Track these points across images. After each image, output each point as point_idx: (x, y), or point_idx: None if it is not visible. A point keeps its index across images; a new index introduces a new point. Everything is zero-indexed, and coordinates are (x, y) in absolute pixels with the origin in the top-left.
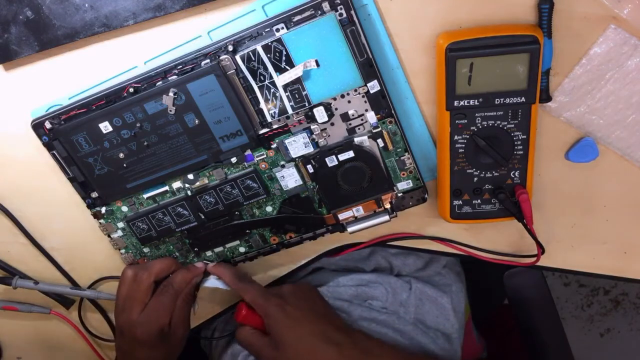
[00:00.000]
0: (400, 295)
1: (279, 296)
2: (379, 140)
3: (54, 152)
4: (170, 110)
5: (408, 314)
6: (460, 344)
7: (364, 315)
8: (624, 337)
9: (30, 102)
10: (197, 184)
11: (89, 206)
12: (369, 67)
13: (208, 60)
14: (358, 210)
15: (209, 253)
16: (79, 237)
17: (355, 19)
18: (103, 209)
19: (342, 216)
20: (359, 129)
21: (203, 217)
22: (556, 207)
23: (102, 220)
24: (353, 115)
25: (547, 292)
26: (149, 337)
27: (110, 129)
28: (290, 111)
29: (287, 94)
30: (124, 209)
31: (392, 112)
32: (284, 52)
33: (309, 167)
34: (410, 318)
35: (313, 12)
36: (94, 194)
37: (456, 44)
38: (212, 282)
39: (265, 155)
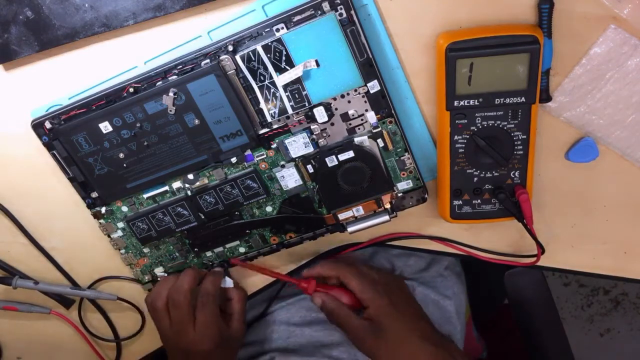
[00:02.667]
0: None
1: (387, 287)
2: (379, 140)
3: (54, 152)
4: (170, 110)
5: None
6: (462, 345)
7: None
8: (624, 337)
9: (30, 102)
10: (197, 184)
11: (89, 206)
12: (369, 67)
13: (208, 60)
14: (358, 210)
15: (209, 253)
16: (79, 237)
17: (355, 18)
18: (103, 209)
19: (342, 216)
20: (359, 129)
21: (203, 217)
22: (556, 207)
23: (102, 220)
24: (353, 115)
25: (547, 292)
26: (213, 345)
27: (110, 129)
28: (290, 111)
29: (287, 94)
30: (124, 209)
31: (392, 112)
32: (284, 52)
33: (309, 167)
34: None
35: (313, 12)
36: (94, 194)
37: (456, 44)
38: (227, 282)
39: (265, 155)
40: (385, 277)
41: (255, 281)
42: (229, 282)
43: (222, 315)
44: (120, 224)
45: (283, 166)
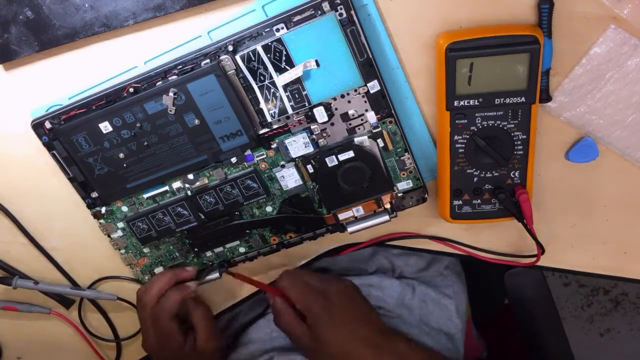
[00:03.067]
0: (404, 298)
1: (325, 296)
2: (379, 140)
3: (54, 152)
4: (170, 110)
5: (412, 316)
6: (463, 343)
7: None
8: (624, 337)
9: (30, 102)
10: (197, 184)
11: (89, 206)
12: (369, 67)
13: (208, 60)
14: (358, 210)
15: (208, 253)
16: (79, 237)
17: (355, 18)
18: (103, 209)
19: (342, 216)
20: (359, 129)
21: (203, 217)
22: (556, 207)
23: (102, 220)
24: (353, 115)
25: (547, 292)
26: (172, 356)
27: (110, 129)
28: (290, 111)
29: (287, 94)
30: (124, 209)
31: (392, 112)
32: (284, 52)
33: (309, 167)
34: (414, 320)
35: (313, 12)
36: (94, 194)
37: (456, 44)
38: (209, 276)
39: (265, 155)
40: (326, 284)
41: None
42: (211, 275)
43: (189, 331)
44: (120, 224)
45: (283, 166)
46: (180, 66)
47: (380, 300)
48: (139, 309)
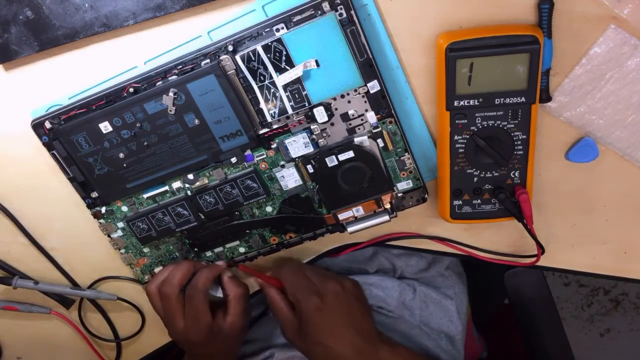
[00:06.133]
0: (405, 299)
1: (320, 296)
2: (379, 140)
3: (54, 152)
4: (170, 110)
5: (413, 317)
6: (463, 345)
7: None
8: (624, 337)
9: (30, 102)
10: (197, 184)
11: (89, 206)
12: (369, 67)
13: (208, 60)
14: (358, 211)
15: (208, 253)
16: (79, 237)
17: (355, 19)
18: (103, 209)
19: (342, 216)
20: (359, 129)
21: (203, 217)
22: (556, 207)
23: (102, 220)
24: (353, 115)
25: (547, 292)
26: (200, 338)
27: (110, 129)
28: (290, 111)
29: (287, 94)
30: (124, 208)
31: (392, 112)
32: (284, 52)
33: (309, 167)
34: (415, 321)
35: (313, 12)
36: (94, 194)
37: (456, 44)
38: (218, 292)
39: (265, 155)
40: (325, 284)
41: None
42: (219, 293)
43: (218, 310)
44: (120, 224)
45: (283, 166)
46: (180, 66)
47: (382, 300)
48: (161, 299)
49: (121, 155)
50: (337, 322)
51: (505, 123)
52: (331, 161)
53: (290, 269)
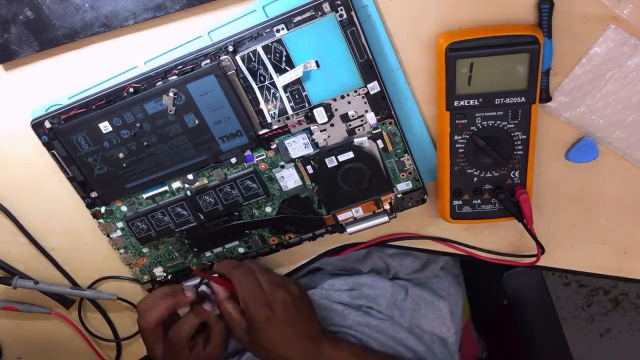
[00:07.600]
0: (396, 299)
1: (270, 307)
2: (379, 141)
3: (54, 151)
4: (170, 111)
5: (404, 318)
6: (457, 348)
7: (357, 319)
8: (624, 337)
9: (30, 102)
10: (197, 184)
11: (89, 206)
12: (369, 68)
13: (208, 61)
14: (357, 211)
15: (208, 253)
16: (78, 237)
17: (355, 19)
18: (102, 209)
19: (341, 217)
20: (358, 129)
21: (202, 217)
22: (556, 207)
23: (101, 220)
24: (353, 116)
25: (547, 292)
26: None
27: (110, 129)
28: (290, 112)
29: (287, 94)
30: (124, 208)
31: (392, 113)
32: (284, 53)
33: (309, 167)
34: (405, 322)
35: (313, 12)
36: (94, 194)
37: (456, 44)
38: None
39: (265, 156)
40: (274, 292)
41: None
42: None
43: (197, 336)
44: (120, 224)
45: (283, 167)
46: (181, 66)
47: (372, 300)
48: (140, 327)
49: (121, 155)
50: (286, 332)
51: (505, 123)
52: (331, 162)
53: (242, 272)
